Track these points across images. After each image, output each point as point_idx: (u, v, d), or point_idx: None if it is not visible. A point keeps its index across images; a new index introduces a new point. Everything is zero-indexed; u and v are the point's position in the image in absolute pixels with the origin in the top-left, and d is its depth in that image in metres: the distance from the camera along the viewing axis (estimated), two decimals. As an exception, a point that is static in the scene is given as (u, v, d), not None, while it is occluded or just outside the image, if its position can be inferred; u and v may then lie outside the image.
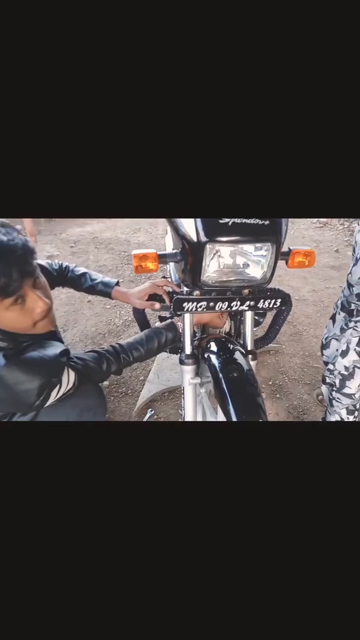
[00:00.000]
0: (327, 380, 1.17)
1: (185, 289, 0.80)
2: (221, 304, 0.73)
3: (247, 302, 0.74)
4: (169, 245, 1.40)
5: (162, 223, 3.24)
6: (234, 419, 0.63)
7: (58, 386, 0.73)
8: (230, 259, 0.69)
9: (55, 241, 2.96)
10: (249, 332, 0.82)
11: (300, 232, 3.22)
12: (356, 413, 1.17)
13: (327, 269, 2.52)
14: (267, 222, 0.64)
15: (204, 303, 0.73)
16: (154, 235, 3.14)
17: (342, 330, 1.13)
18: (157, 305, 0.91)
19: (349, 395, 1.11)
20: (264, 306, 0.75)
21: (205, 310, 0.73)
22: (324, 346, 1.29)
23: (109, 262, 2.65)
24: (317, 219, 3.39)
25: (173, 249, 0.78)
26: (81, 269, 1.07)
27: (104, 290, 1.03)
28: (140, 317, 0.97)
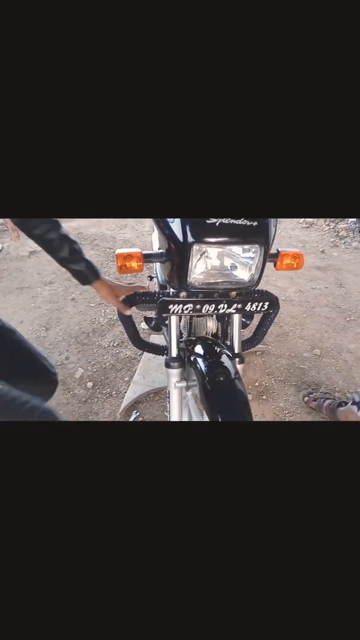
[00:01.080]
0: None
1: (172, 290, 0.78)
2: (208, 307, 0.71)
3: (235, 305, 0.72)
4: (156, 243, 1.37)
5: (148, 220, 3.20)
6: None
7: None
8: (217, 260, 0.67)
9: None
10: (237, 335, 0.81)
11: (287, 232, 3.24)
12: None
13: (313, 270, 2.54)
14: (255, 224, 0.62)
15: (190, 305, 0.71)
16: (140, 232, 3.10)
17: None
18: (129, 311, 0.83)
19: None
20: (251, 309, 0.73)
21: (191, 312, 0.71)
22: None
23: (95, 258, 2.59)
24: (303, 219, 3.42)
25: (159, 249, 0.75)
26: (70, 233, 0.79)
27: (83, 272, 0.80)
28: (125, 318, 0.95)
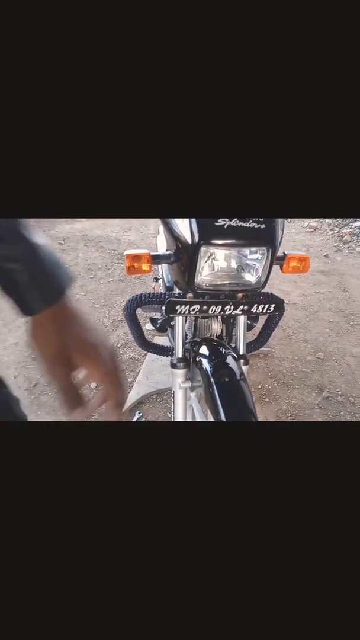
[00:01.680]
0: None
1: (178, 291, 0.79)
2: (214, 308, 0.72)
3: (241, 307, 0.73)
4: (161, 245, 1.38)
5: (153, 222, 3.22)
6: None
7: None
8: (224, 262, 0.68)
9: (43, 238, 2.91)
10: (242, 337, 0.82)
11: (290, 236, 3.25)
12: None
13: (316, 274, 2.54)
14: (263, 226, 0.63)
15: (197, 306, 0.71)
16: (145, 234, 3.11)
17: None
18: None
19: None
20: (257, 311, 0.74)
21: (198, 313, 0.72)
22: None
23: (99, 260, 2.62)
24: (307, 224, 3.42)
25: (167, 250, 0.76)
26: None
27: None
28: (131, 319, 0.96)
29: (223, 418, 0.63)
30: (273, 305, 0.75)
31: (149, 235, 3.09)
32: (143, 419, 1.41)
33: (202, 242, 0.63)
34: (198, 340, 0.84)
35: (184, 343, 0.81)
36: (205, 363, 0.73)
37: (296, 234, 3.30)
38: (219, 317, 0.87)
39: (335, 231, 3.23)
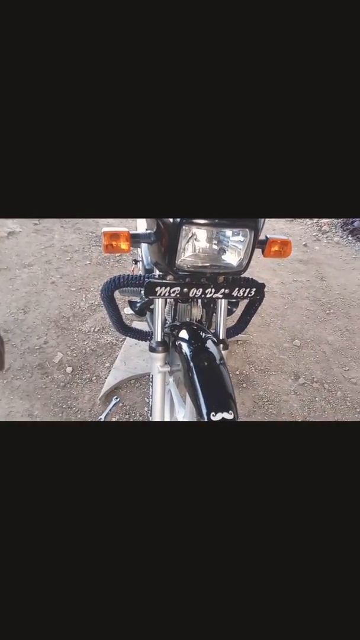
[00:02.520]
0: None
1: (159, 273, 0.77)
2: (195, 291, 0.70)
3: (222, 290, 0.71)
4: (140, 227, 1.35)
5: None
6: (204, 409, 0.61)
7: None
8: (206, 243, 0.66)
9: (18, 217, 2.78)
10: (222, 321, 0.81)
11: (270, 224, 3.25)
12: None
13: (295, 263, 2.57)
14: None
15: (177, 288, 0.69)
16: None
17: None
18: None
19: None
20: (238, 295, 0.73)
21: (178, 295, 0.70)
22: None
23: (76, 242, 2.54)
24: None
25: (147, 229, 0.74)
26: None
27: None
28: (109, 302, 0.93)
29: (202, 405, 0.62)
30: (254, 289, 0.74)
31: (128, 219, 3.02)
32: (120, 404, 1.40)
33: (183, 221, 0.60)
34: (178, 324, 0.82)
35: (163, 327, 0.80)
36: (185, 347, 0.71)
37: (276, 222, 3.31)
38: (199, 302, 0.86)
39: (314, 221, 3.26)
